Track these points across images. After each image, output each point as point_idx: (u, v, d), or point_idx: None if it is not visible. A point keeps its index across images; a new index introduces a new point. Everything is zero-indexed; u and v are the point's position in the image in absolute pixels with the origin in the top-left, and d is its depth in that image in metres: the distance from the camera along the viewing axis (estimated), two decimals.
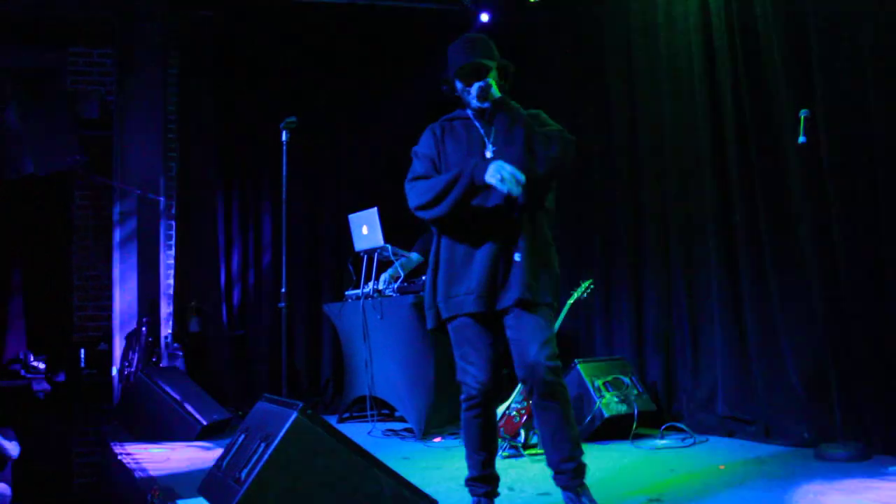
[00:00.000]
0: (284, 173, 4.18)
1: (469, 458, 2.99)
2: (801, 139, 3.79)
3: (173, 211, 6.22)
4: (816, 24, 4.03)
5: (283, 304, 4.15)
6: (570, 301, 4.62)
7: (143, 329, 5.69)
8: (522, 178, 2.72)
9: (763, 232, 4.41)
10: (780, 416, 4.24)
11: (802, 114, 3.81)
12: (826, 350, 3.94)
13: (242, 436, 2.78)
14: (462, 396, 2.95)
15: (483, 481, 2.97)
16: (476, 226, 2.90)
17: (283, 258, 4.22)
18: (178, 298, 6.17)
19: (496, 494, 3.01)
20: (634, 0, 5.40)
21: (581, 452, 2.87)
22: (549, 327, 2.87)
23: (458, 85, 2.97)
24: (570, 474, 2.84)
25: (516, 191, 2.72)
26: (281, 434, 2.47)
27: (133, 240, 6.00)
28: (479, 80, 2.90)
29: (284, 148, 3.95)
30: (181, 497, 3.33)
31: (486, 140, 2.95)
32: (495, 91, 2.90)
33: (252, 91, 6.65)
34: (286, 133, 4.07)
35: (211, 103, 6.47)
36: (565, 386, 2.88)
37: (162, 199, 6.06)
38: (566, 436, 2.84)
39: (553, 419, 2.85)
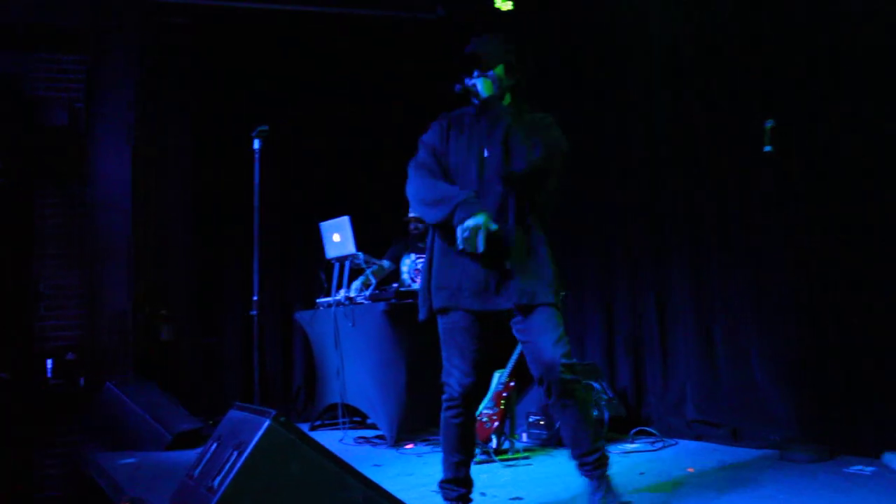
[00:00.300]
0: (257, 181, 4.16)
1: (444, 460, 3.01)
2: (767, 148, 3.90)
3: (143, 218, 6.15)
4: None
5: (255, 312, 4.13)
6: None
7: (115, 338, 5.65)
8: (481, 246, 2.76)
9: (731, 239, 4.50)
10: (748, 420, 4.33)
11: (767, 124, 3.92)
12: (791, 355, 4.03)
13: (214, 444, 2.77)
14: (443, 396, 2.98)
15: (457, 484, 2.99)
16: None
17: (256, 266, 4.20)
18: (149, 307, 6.11)
19: (469, 500, 3.03)
20: (601, 8, 5.50)
21: (602, 445, 2.92)
22: (558, 325, 2.87)
23: (467, 81, 3.00)
24: (590, 466, 2.90)
25: (470, 249, 2.78)
26: (254, 442, 2.46)
27: (102, 248, 5.93)
28: (477, 72, 2.95)
29: (257, 156, 3.94)
30: None
31: (485, 137, 2.96)
32: (483, 90, 2.93)
33: (225, 98, 6.60)
34: (258, 141, 4.07)
35: (183, 110, 6.42)
36: (581, 382, 2.91)
37: (131, 207, 6.00)
38: (585, 432, 2.89)
39: (572, 417, 2.89)
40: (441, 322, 2.99)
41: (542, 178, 2.92)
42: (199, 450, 4.89)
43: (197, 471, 2.73)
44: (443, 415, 2.99)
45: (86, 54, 6.07)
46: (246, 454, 2.45)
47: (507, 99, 3.03)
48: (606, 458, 2.93)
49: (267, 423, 2.50)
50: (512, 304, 2.87)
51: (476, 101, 2.98)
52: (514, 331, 2.96)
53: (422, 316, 3.03)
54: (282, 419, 2.54)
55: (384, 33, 6.92)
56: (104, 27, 6.11)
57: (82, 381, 5.61)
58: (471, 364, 2.93)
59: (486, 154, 2.94)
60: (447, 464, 3.00)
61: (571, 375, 2.84)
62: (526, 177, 2.87)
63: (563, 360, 2.82)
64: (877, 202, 3.81)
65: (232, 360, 6.42)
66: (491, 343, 3.00)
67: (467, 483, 3.02)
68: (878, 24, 3.80)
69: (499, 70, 2.98)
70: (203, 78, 6.55)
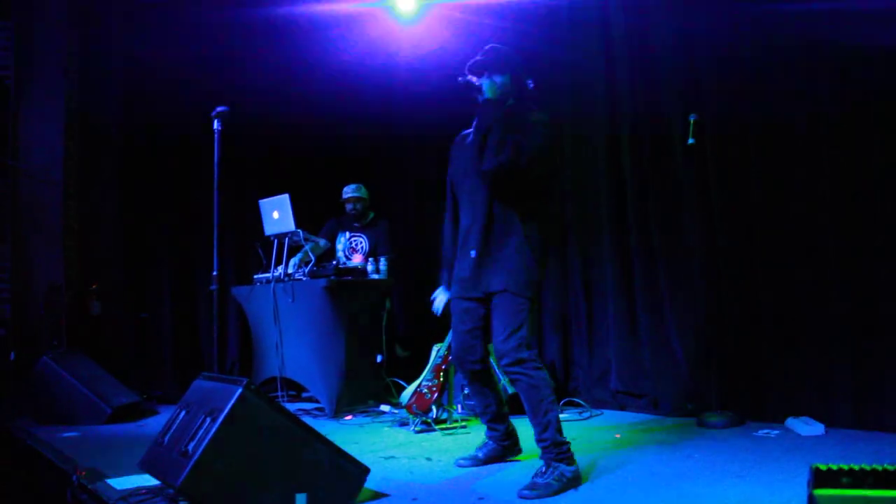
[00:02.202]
0: (217, 161, 4.18)
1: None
2: (690, 140, 4.21)
3: (73, 191, 6.05)
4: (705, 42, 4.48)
5: (214, 287, 4.18)
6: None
7: (42, 313, 5.59)
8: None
9: (653, 223, 4.84)
10: (667, 390, 4.69)
11: (691, 118, 4.23)
12: (706, 330, 4.39)
13: (183, 412, 2.88)
14: None
15: (488, 427, 3.60)
16: (463, 220, 3.37)
17: (215, 241, 4.24)
18: (79, 281, 6.04)
19: (504, 440, 3.57)
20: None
21: (550, 435, 3.12)
22: (513, 318, 3.16)
23: (468, 82, 3.32)
24: (541, 451, 3.16)
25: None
26: (228, 408, 2.60)
27: (33, 221, 5.83)
28: (486, 74, 3.28)
29: (217, 136, 3.99)
30: (108, 476, 3.38)
31: (474, 138, 3.32)
32: (487, 91, 3.24)
33: (161, 71, 6.51)
34: (218, 122, 4.10)
35: (117, 79, 6.30)
36: (531, 374, 3.14)
37: (63, 178, 5.91)
38: (533, 420, 3.18)
39: (524, 402, 3.21)
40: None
41: (511, 175, 3.15)
42: (137, 423, 5.01)
43: (167, 438, 2.84)
44: None
45: (14, 20, 5.88)
46: (220, 420, 2.59)
47: (510, 102, 3.33)
48: (557, 448, 3.12)
49: (239, 391, 2.64)
50: (482, 292, 3.27)
51: (479, 99, 3.27)
52: None
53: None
54: (252, 387, 2.69)
55: (323, 12, 6.96)
56: None
57: (13, 355, 5.52)
58: (459, 340, 3.45)
59: (469, 155, 3.31)
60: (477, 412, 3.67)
61: (515, 367, 3.14)
62: (492, 175, 3.16)
63: (510, 355, 3.15)
64: (778, 200, 4.21)
65: (166, 335, 6.41)
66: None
67: (498, 427, 3.57)
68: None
69: (505, 78, 3.30)
70: (136, 49, 6.43)
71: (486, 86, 3.26)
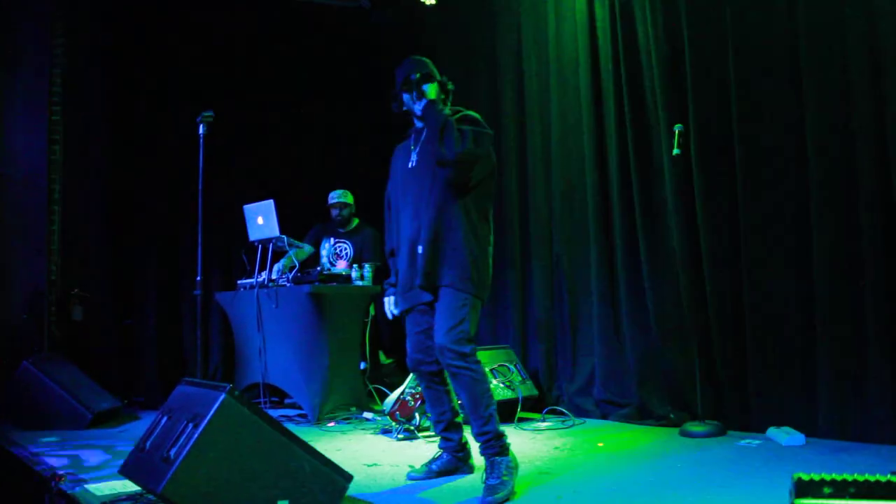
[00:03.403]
0: (201, 166, 4.18)
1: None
2: (676, 151, 4.23)
3: (57, 196, 6.00)
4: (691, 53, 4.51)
5: (198, 292, 4.15)
6: None
7: (25, 317, 5.54)
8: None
9: (638, 232, 4.85)
10: (650, 399, 4.69)
11: (676, 128, 4.26)
12: (691, 341, 4.41)
13: (165, 417, 2.86)
14: None
15: (442, 438, 3.52)
16: (404, 228, 3.40)
17: (199, 247, 4.22)
18: (63, 286, 5.98)
19: (459, 451, 3.50)
20: (527, 13, 5.76)
21: (492, 429, 3.15)
22: (455, 312, 3.19)
23: (406, 97, 3.37)
24: (482, 446, 3.18)
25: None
26: (210, 414, 2.58)
27: (16, 224, 5.77)
28: (420, 90, 3.32)
29: (201, 141, 3.97)
30: (87, 482, 3.36)
31: (413, 151, 3.43)
32: (429, 92, 3.30)
33: (146, 74, 6.47)
34: (203, 126, 4.09)
35: (101, 84, 6.26)
36: (473, 368, 3.17)
37: (47, 184, 5.86)
38: (475, 414, 3.18)
39: (463, 397, 3.21)
40: None
41: (470, 165, 3.24)
42: (118, 428, 4.97)
43: (148, 443, 2.82)
44: None
45: None
46: (202, 426, 2.57)
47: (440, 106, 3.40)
48: (499, 442, 3.15)
49: (222, 397, 2.62)
50: (417, 285, 3.28)
51: (417, 109, 3.35)
52: None
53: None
54: (235, 393, 2.68)
55: (309, 19, 6.99)
56: None
57: None
58: (414, 343, 3.47)
59: (417, 149, 3.39)
60: (432, 420, 3.59)
61: (457, 361, 3.16)
62: (456, 162, 3.18)
63: (451, 347, 3.16)
64: (763, 210, 4.24)
65: (149, 339, 6.36)
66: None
67: (450, 438, 3.49)
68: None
69: (436, 84, 3.36)
70: (122, 52, 6.40)
71: (429, 88, 3.32)
